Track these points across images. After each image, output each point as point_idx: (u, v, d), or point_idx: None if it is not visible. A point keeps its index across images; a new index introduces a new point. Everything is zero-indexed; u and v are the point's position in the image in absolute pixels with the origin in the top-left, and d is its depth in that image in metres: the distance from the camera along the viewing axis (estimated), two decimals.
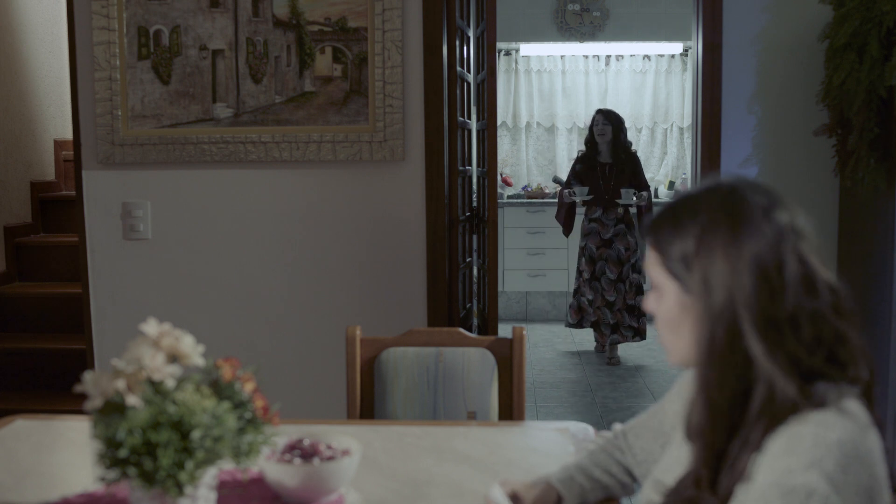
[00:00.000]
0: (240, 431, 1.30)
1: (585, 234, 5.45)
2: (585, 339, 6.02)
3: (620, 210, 5.35)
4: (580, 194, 5.36)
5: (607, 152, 5.38)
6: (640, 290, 5.39)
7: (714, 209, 1.12)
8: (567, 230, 5.63)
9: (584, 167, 5.44)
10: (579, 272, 5.50)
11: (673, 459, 1.28)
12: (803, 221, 1.12)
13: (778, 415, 1.06)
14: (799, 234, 1.10)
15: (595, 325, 5.46)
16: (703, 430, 1.12)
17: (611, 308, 5.38)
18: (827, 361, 1.08)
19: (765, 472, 1.04)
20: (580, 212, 5.55)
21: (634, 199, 5.23)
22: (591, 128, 5.47)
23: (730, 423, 1.09)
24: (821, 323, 1.08)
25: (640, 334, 5.42)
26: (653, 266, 1.17)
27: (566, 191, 5.50)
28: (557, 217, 5.63)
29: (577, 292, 5.52)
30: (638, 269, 5.40)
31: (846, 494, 0.99)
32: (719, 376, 1.09)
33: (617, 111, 5.57)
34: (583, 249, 5.47)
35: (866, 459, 1.03)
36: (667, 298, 1.16)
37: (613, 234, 5.35)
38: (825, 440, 1.02)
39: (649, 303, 1.20)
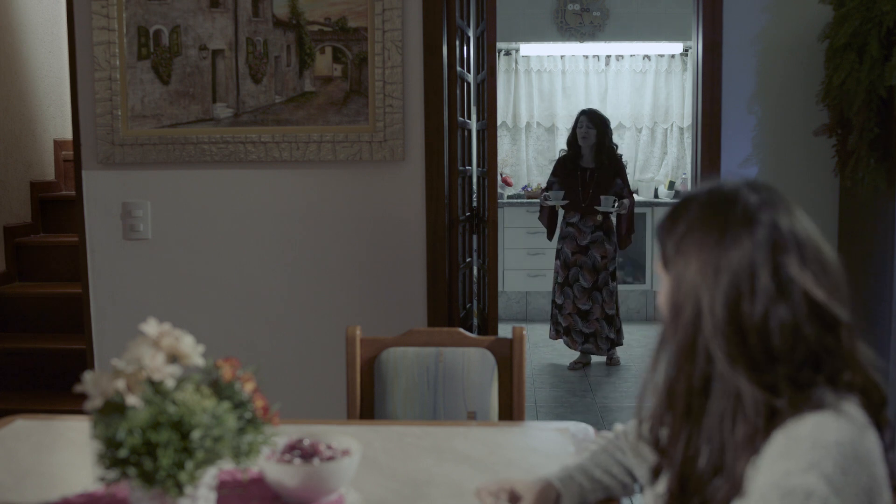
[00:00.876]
0: (240, 431, 1.30)
1: (562, 238, 5.23)
2: None
3: (599, 217, 5.09)
4: (555, 199, 5.11)
5: (590, 156, 5.12)
6: (613, 298, 5.19)
7: (699, 214, 1.15)
8: (550, 233, 5.40)
9: (564, 171, 5.19)
10: (555, 274, 5.31)
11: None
12: (802, 227, 1.12)
13: (750, 417, 1.08)
14: (782, 243, 1.10)
15: (566, 332, 5.25)
16: (658, 415, 1.18)
17: (584, 317, 5.16)
18: (814, 370, 1.08)
19: (763, 473, 1.04)
20: (561, 213, 5.34)
21: (614, 207, 5.01)
22: (574, 129, 5.19)
23: (685, 417, 1.14)
24: (795, 333, 1.08)
25: (614, 345, 5.23)
26: (657, 259, 1.22)
27: (543, 194, 5.30)
28: (541, 219, 5.43)
29: (554, 303, 5.31)
30: (616, 278, 5.21)
31: (846, 496, 1.00)
32: (678, 371, 1.14)
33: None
34: (558, 252, 5.26)
35: (865, 460, 1.03)
36: (663, 291, 1.20)
37: (590, 241, 5.11)
38: (823, 442, 1.02)
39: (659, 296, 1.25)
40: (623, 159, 5.34)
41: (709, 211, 1.14)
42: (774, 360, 1.08)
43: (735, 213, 1.11)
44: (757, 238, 1.10)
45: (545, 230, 5.43)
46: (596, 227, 5.10)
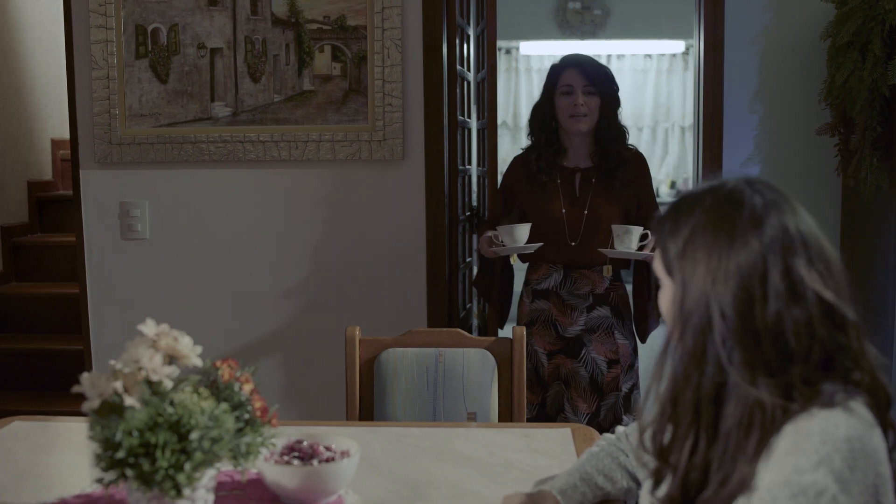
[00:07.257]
0: (238, 432, 1.29)
1: (528, 324, 2.74)
2: None
3: (608, 271, 2.69)
4: (514, 240, 2.58)
5: (583, 148, 2.72)
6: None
7: (704, 214, 1.12)
8: (500, 315, 3.03)
9: (533, 181, 2.72)
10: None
11: None
12: (806, 227, 1.11)
13: (766, 424, 1.06)
14: (791, 244, 1.09)
15: None
16: (661, 423, 1.15)
17: None
18: (825, 369, 1.08)
19: (772, 469, 1.04)
20: (519, 269, 2.92)
21: (634, 247, 2.49)
22: (551, 97, 2.71)
23: (692, 425, 1.11)
24: (809, 332, 1.07)
25: None
26: (656, 261, 1.20)
27: (488, 234, 2.67)
28: (478, 283, 3.05)
29: None
30: (632, 407, 2.72)
31: (853, 492, 1.00)
32: (685, 379, 1.11)
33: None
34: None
35: (872, 458, 1.03)
36: (665, 294, 1.18)
37: (584, 328, 2.68)
38: (833, 437, 1.02)
39: (661, 300, 1.21)
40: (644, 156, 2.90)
41: (714, 214, 1.11)
42: (789, 362, 1.07)
43: (742, 215, 1.10)
44: (765, 240, 1.08)
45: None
46: (595, 297, 2.70)
